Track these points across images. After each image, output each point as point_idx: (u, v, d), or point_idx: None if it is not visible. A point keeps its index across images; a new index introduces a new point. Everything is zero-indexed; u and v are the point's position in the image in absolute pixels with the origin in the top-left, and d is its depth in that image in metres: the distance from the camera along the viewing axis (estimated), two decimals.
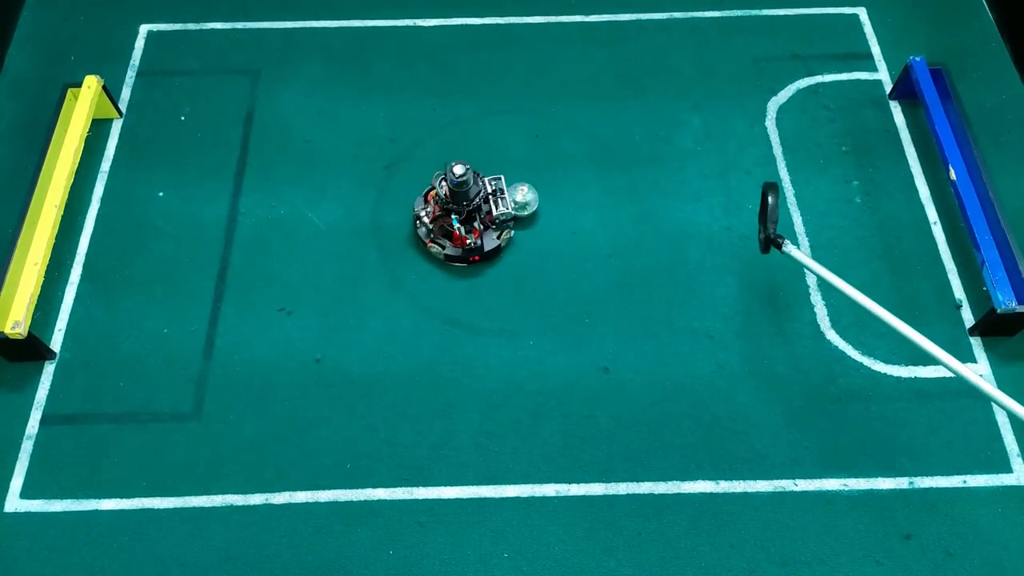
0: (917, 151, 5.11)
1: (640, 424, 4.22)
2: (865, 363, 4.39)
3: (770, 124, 5.22)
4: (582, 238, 4.80)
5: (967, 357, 4.41)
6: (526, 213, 4.81)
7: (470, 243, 4.59)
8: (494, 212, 4.64)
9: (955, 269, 4.68)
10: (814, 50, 5.52)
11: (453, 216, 4.59)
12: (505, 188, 4.73)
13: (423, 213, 4.68)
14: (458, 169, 4.45)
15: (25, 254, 4.49)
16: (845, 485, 4.06)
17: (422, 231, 4.69)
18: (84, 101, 4.99)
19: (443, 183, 4.56)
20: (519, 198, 4.78)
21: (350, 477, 4.09)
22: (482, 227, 4.65)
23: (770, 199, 4.18)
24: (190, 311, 4.56)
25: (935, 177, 5.00)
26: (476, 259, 4.64)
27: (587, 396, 4.30)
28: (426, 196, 4.77)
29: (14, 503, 4.04)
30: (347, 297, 4.61)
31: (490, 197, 4.66)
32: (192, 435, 4.20)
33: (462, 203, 4.56)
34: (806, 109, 5.27)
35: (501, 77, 5.43)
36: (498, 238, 4.66)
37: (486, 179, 4.70)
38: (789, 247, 4.14)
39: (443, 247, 4.63)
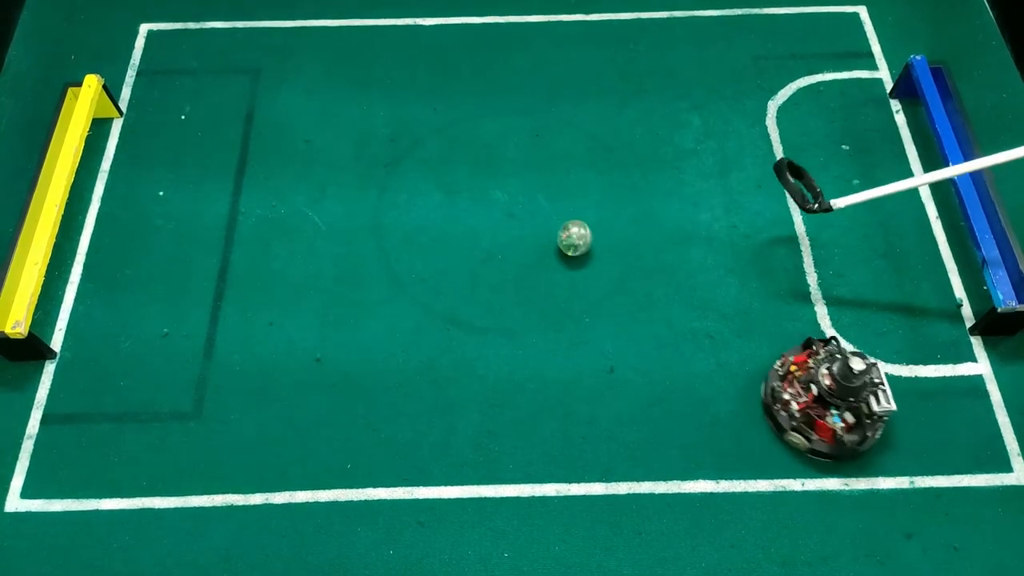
0: (917, 150, 5.11)
1: (640, 424, 4.22)
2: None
3: (770, 123, 5.21)
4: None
5: (967, 357, 4.41)
6: (576, 253, 4.63)
7: (851, 438, 3.93)
8: (874, 407, 3.92)
9: (955, 268, 4.68)
10: (814, 49, 5.52)
11: (834, 412, 4.01)
12: (885, 379, 3.99)
13: (790, 397, 4.05)
14: (857, 364, 3.82)
15: (25, 254, 4.49)
16: (846, 485, 4.06)
17: (783, 415, 4.07)
18: (84, 100, 5.00)
19: (827, 372, 3.94)
20: (576, 240, 4.55)
21: (350, 477, 4.09)
22: (853, 420, 3.99)
23: (782, 182, 4.13)
24: (190, 311, 4.56)
25: None
26: (854, 457, 4.07)
27: (587, 396, 4.30)
28: (786, 374, 4.12)
29: (14, 503, 4.04)
30: (347, 297, 4.61)
31: (874, 388, 3.96)
32: (192, 435, 4.20)
33: (848, 398, 3.93)
34: (806, 108, 5.27)
35: (501, 77, 5.43)
36: (873, 435, 4.00)
37: (865, 363, 3.95)
38: (838, 202, 4.10)
39: (809, 440, 4.02)
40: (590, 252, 4.72)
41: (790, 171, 4.37)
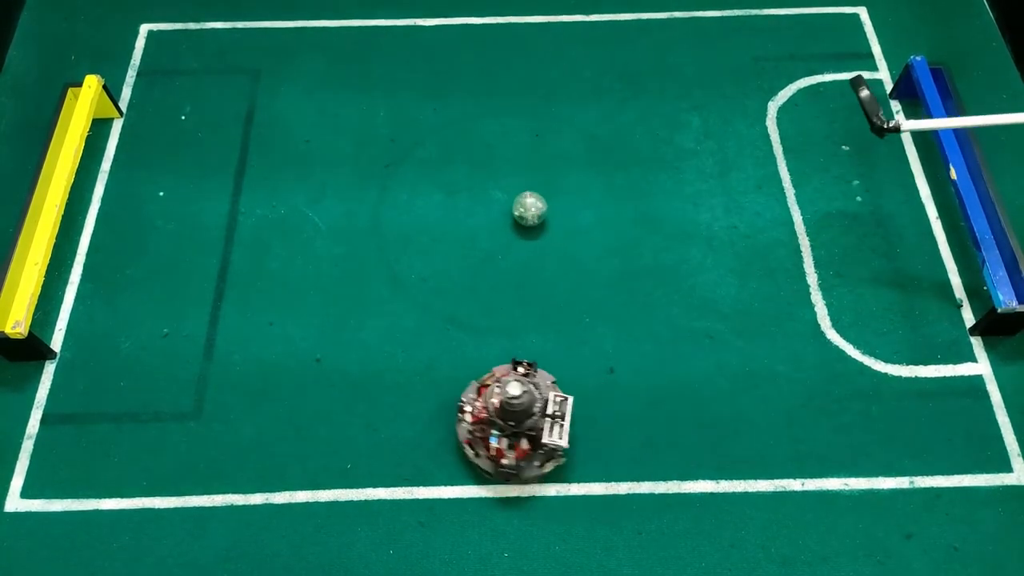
0: (917, 150, 5.11)
1: (640, 424, 4.22)
2: (865, 363, 4.39)
3: (770, 123, 5.21)
4: (582, 238, 4.80)
5: (967, 357, 4.41)
6: (535, 223, 4.69)
7: (506, 463, 3.88)
8: (545, 438, 3.85)
9: (955, 268, 4.68)
10: (814, 49, 5.52)
11: (493, 432, 3.90)
12: (568, 413, 3.93)
13: (468, 407, 4.00)
14: (513, 389, 3.73)
15: (25, 254, 4.49)
16: (846, 485, 4.06)
17: (462, 427, 4.04)
18: (84, 101, 5.00)
19: (497, 392, 3.85)
20: (529, 212, 4.62)
21: (350, 477, 4.09)
22: (527, 447, 3.91)
23: (860, 94, 4.10)
24: (190, 311, 4.56)
25: (935, 176, 5.00)
26: (507, 479, 4.03)
27: (587, 396, 4.29)
28: (481, 386, 4.09)
29: (14, 503, 4.04)
30: (347, 297, 4.61)
31: (548, 419, 3.88)
32: (192, 435, 4.20)
33: (508, 423, 3.87)
34: (806, 108, 5.27)
35: (501, 77, 5.42)
36: (539, 466, 3.96)
37: (552, 392, 3.95)
38: (906, 125, 4.10)
39: (477, 454, 3.99)
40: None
41: (860, 92, 4.29)
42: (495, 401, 3.83)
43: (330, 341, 4.46)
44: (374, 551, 3.90)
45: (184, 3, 5.74)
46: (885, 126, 4.16)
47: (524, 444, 3.88)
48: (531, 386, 3.83)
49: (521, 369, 4.01)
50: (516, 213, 4.68)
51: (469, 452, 3.99)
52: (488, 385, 4.02)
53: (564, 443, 3.83)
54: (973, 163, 4.75)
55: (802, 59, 5.47)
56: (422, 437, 4.19)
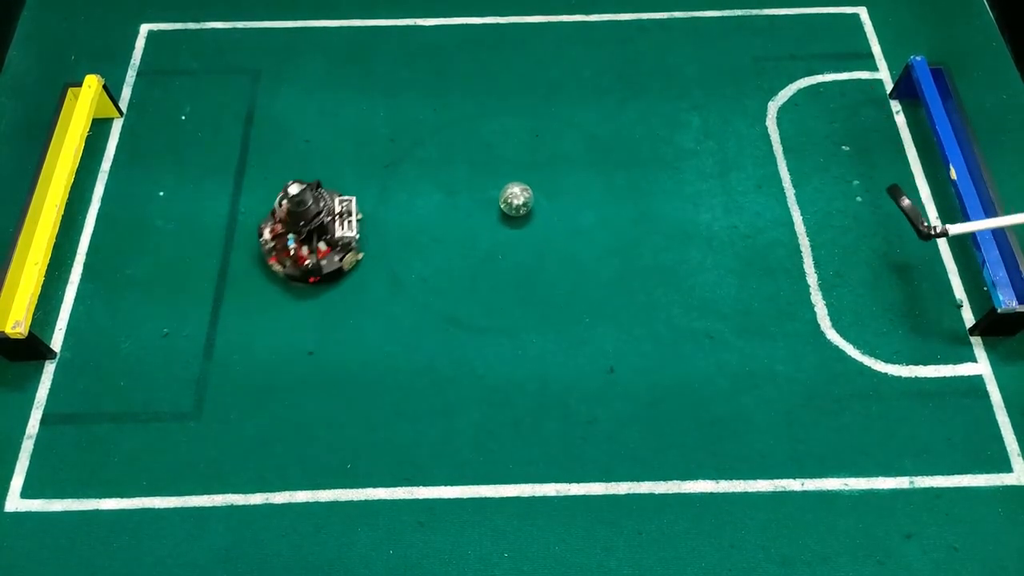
0: (917, 150, 5.11)
1: (640, 424, 4.22)
2: (865, 363, 4.39)
3: (770, 124, 5.22)
4: (582, 238, 4.80)
5: (967, 357, 4.41)
6: (519, 214, 4.79)
7: (309, 263, 4.45)
8: (337, 233, 4.51)
9: (955, 268, 4.68)
10: (814, 50, 5.52)
11: (289, 236, 4.47)
12: (354, 210, 4.60)
13: (266, 230, 4.55)
14: (293, 189, 4.35)
15: (25, 254, 4.49)
16: (846, 485, 4.06)
17: (266, 248, 4.56)
18: (84, 100, 5.00)
19: (282, 202, 4.44)
20: (516, 200, 4.73)
21: (350, 477, 4.09)
22: (326, 247, 4.51)
23: (902, 203, 4.22)
24: (190, 311, 4.56)
25: (935, 176, 5.00)
26: (315, 280, 4.53)
27: (587, 396, 4.30)
28: (273, 212, 4.63)
29: (14, 503, 4.04)
30: (347, 297, 4.61)
31: (337, 217, 4.51)
32: (192, 435, 4.20)
33: (299, 223, 4.43)
34: (806, 109, 5.27)
35: (501, 77, 5.42)
36: (340, 260, 4.53)
37: (336, 198, 4.58)
38: (953, 229, 4.18)
39: (284, 266, 4.52)
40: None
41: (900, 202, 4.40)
42: (283, 209, 4.36)
43: (330, 341, 4.46)
44: (374, 551, 3.90)
45: (184, 3, 5.74)
46: (933, 233, 4.22)
47: (323, 246, 4.48)
48: (309, 188, 4.41)
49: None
50: (503, 205, 4.79)
51: (278, 268, 4.50)
52: (275, 208, 4.58)
53: (354, 233, 4.52)
54: (973, 163, 4.76)
55: (802, 59, 5.47)
56: (422, 437, 4.19)
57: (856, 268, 4.68)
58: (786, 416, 4.23)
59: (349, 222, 4.53)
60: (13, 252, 4.45)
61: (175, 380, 4.35)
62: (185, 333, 4.49)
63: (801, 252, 4.74)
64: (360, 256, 4.58)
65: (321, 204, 4.46)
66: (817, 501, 4.02)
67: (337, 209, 4.52)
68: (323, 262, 4.48)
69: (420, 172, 5.04)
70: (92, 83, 5.04)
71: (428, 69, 5.46)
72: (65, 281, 4.67)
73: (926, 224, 4.23)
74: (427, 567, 3.87)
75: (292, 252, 4.43)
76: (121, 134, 5.20)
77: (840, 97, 5.32)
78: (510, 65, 5.47)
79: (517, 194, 4.73)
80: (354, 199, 4.58)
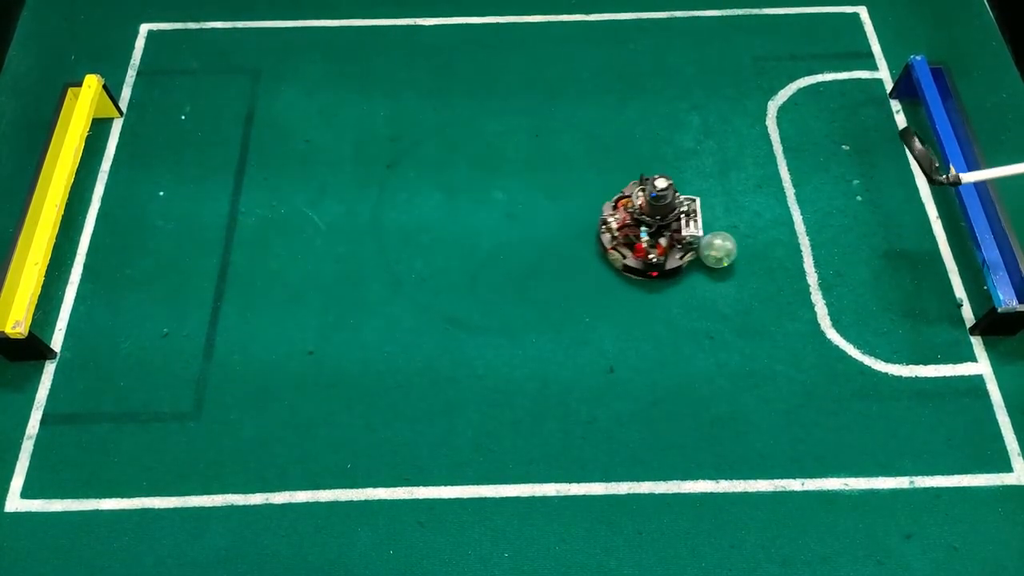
0: None
1: (640, 424, 4.22)
2: (865, 362, 4.39)
3: (770, 123, 5.21)
4: (582, 238, 4.80)
5: (967, 356, 4.41)
6: (722, 265, 4.62)
7: (652, 258, 4.48)
8: (683, 232, 4.51)
9: (955, 268, 4.68)
10: (814, 49, 5.52)
11: (643, 228, 4.51)
12: (699, 211, 4.60)
13: (611, 219, 4.60)
14: (660, 183, 4.37)
15: (25, 254, 4.49)
16: (846, 485, 4.06)
17: (606, 237, 4.61)
18: (84, 100, 5.00)
19: (639, 194, 4.50)
20: (714, 252, 4.56)
21: (350, 477, 4.09)
22: (667, 244, 4.53)
23: (914, 148, 4.21)
24: (190, 311, 4.56)
25: None
26: (655, 275, 4.56)
27: (587, 396, 4.30)
28: (616, 203, 4.68)
29: (14, 503, 4.04)
30: (347, 297, 4.61)
31: (683, 216, 4.54)
32: (192, 435, 4.20)
33: (655, 217, 4.47)
34: (807, 108, 5.27)
35: (501, 77, 5.42)
36: (681, 259, 4.54)
37: (682, 197, 4.59)
38: (967, 176, 4.22)
39: (624, 256, 4.55)
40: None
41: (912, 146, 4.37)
42: (641, 202, 4.48)
43: (330, 341, 4.46)
44: (374, 551, 3.90)
45: (184, 3, 5.74)
46: (946, 180, 4.22)
47: (663, 241, 4.52)
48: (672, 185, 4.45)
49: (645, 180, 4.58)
50: (709, 255, 4.60)
51: (615, 257, 4.56)
52: (626, 198, 4.64)
53: (700, 233, 4.53)
54: (973, 163, 4.75)
55: (802, 59, 5.47)
56: (422, 437, 4.19)
57: (856, 268, 4.67)
58: (786, 416, 4.23)
59: (695, 221, 4.53)
60: (13, 252, 4.45)
61: (175, 380, 4.35)
62: (185, 333, 4.49)
63: (801, 252, 4.74)
64: (694, 255, 4.58)
65: (677, 201, 4.50)
66: (817, 501, 4.02)
67: (684, 207, 4.56)
68: (663, 259, 4.50)
69: (420, 172, 5.04)
70: (92, 83, 5.04)
71: (428, 69, 5.46)
72: (65, 281, 4.67)
73: (939, 170, 4.24)
74: (427, 567, 3.87)
75: (645, 245, 4.47)
76: (121, 134, 5.20)
77: (840, 97, 5.32)
78: (510, 65, 5.47)
79: (718, 246, 4.57)
80: (698, 200, 4.61)
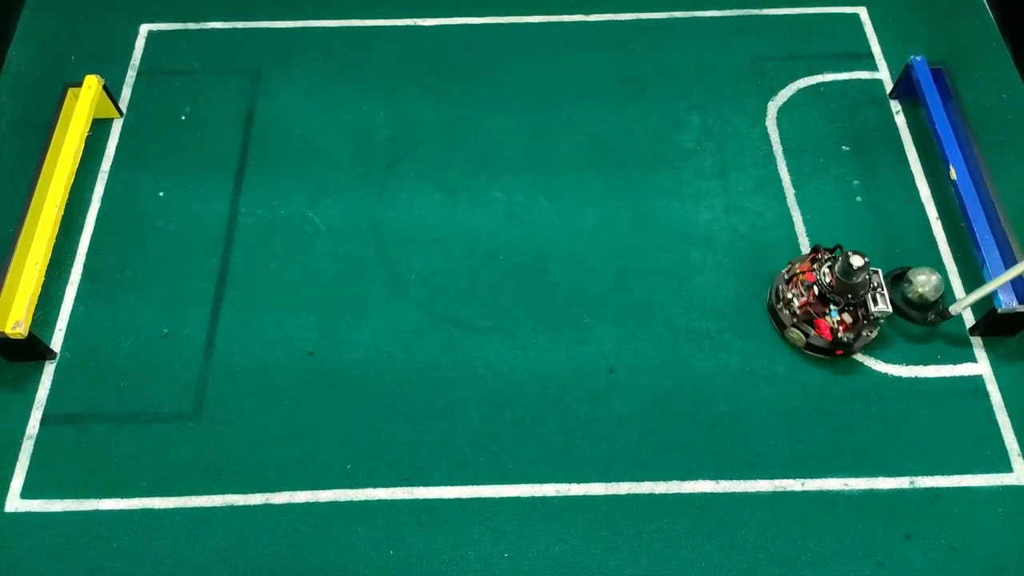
0: (917, 150, 5.11)
1: (640, 424, 4.22)
2: (866, 363, 4.39)
3: (770, 123, 5.21)
4: (582, 238, 4.80)
5: (967, 357, 4.41)
6: (929, 300, 4.47)
7: (841, 338, 4.24)
8: (871, 308, 4.22)
9: (955, 268, 4.68)
10: (814, 49, 5.52)
11: (832, 307, 4.25)
12: (884, 284, 4.29)
13: (793, 296, 4.34)
14: (856, 261, 4.08)
15: (25, 254, 4.49)
16: (846, 485, 4.06)
17: (785, 313, 4.37)
18: (84, 101, 4.99)
19: (827, 271, 4.24)
20: (923, 288, 4.41)
21: (350, 477, 4.09)
22: (851, 320, 4.27)
23: (903, 311, 4.38)
24: (190, 311, 4.56)
25: (935, 176, 5.00)
26: (840, 353, 4.33)
27: (587, 396, 4.30)
28: (792, 277, 4.40)
29: (14, 503, 4.04)
30: (347, 297, 4.61)
31: (871, 291, 4.26)
32: (192, 435, 4.20)
33: (846, 295, 4.21)
34: (806, 108, 5.27)
35: (501, 77, 5.42)
36: (868, 334, 4.29)
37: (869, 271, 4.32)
38: (956, 307, 4.36)
39: (806, 335, 4.31)
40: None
41: (895, 280, 4.52)
42: (828, 279, 4.25)
43: (330, 341, 4.46)
44: (374, 551, 3.90)
45: (184, 3, 5.74)
46: (936, 320, 4.43)
47: (847, 318, 4.28)
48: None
49: (832, 253, 4.41)
50: (915, 292, 4.48)
51: (795, 336, 4.34)
52: (796, 275, 4.41)
53: (889, 309, 4.23)
54: (973, 163, 4.75)
55: (802, 59, 5.47)
56: (422, 437, 4.19)
57: None
58: (786, 416, 4.23)
59: (882, 295, 4.23)
60: (13, 252, 4.45)
61: (175, 380, 4.35)
62: (185, 333, 4.49)
63: (801, 252, 4.74)
64: (879, 330, 4.36)
65: (871, 279, 4.26)
66: (817, 501, 4.02)
67: (874, 282, 4.28)
68: (851, 336, 4.24)
69: (420, 172, 5.04)
70: (92, 83, 5.04)
71: (428, 69, 5.46)
72: (65, 281, 4.67)
73: (936, 319, 4.41)
74: (427, 567, 3.87)
75: (832, 324, 4.23)
76: (121, 134, 5.20)
77: (840, 97, 5.32)
78: (510, 65, 5.47)
79: (924, 282, 4.46)
80: (880, 271, 4.32)
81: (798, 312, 4.32)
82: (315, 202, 4.93)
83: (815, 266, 4.32)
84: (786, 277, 4.44)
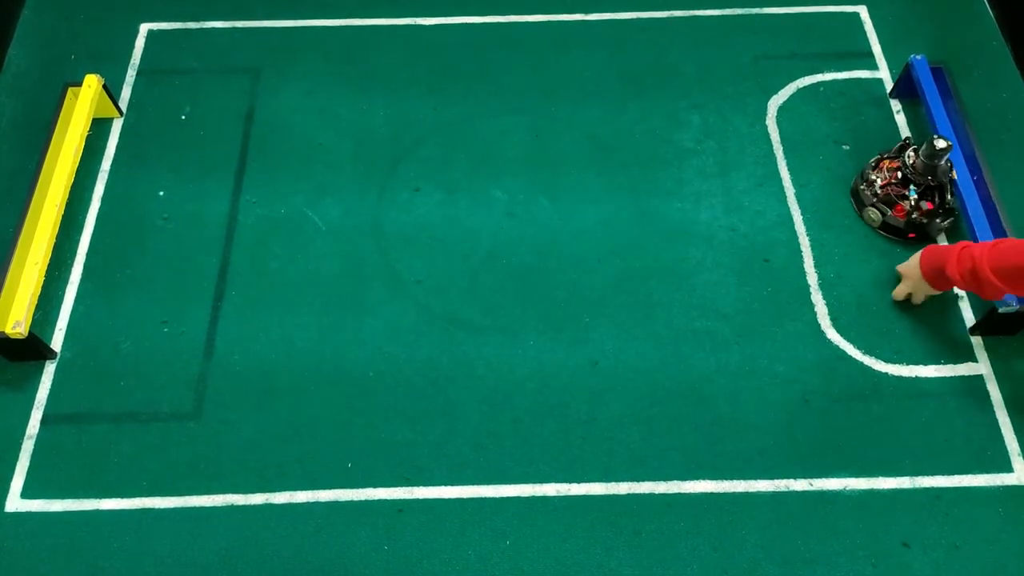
0: None
1: (640, 424, 4.22)
2: (866, 362, 4.39)
3: (770, 123, 5.22)
4: (582, 238, 4.80)
5: (967, 357, 4.41)
6: None
7: (915, 218, 4.52)
8: (948, 197, 4.53)
9: None
10: (814, 48, 5.52)
11: (912, 187, 4.51)
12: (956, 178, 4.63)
13: (876, 176, 4.63)
14: (940, 143, 4.35)
15: (25, 254, 4.49)
16: (846, 485, 4.06)
17: (866, 193, 4.64)
18: (84, 100, 4.99)
19: (911, 154, 4.51)
20: None
21: (350, 477, 4.09)
22: (928, 208, 4.54)
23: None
24: (190, 311, 4.56)
25: None
26: (913, 236, 4.61)
27: (588, 396, 4.30)
28: (878, 163, 4.70)
29: (14, 503, 4.04)
30: (347, 297, 4.61)
31: (950, 183, 4.55)
32: (192, 435, 4.20)
33: (927, 177, 4.48)
34: (807, 108, 5.27)
35: (501, 77, 5.42)
36: (941, 222, 4.57)
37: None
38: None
39: (884, 214, 4.59)
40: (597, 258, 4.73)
41: None
42: (914, 159, 4.50)
43: (330, 341, 4.46)
44: (374, 551, 3.91)
45: (184, 3, 5.74)
46: None
47: (924, 205, 4.55)
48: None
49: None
50: None
51: (873, 215, 4.63)
52: (886, 160, 4.69)
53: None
54: (973, 163, 4.75)
55: (802, 58, 5.47)
56: (422, 437, 4.19)
57: (856, 268, 4.67)
58: (786, 416, 4.23)
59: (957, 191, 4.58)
60: (13, 252, 4.45)
61: (175, 380, 4.35)
62: (185, 332, 4.49)
63: (801, 251, 4.74)
64: (952, 220, 4.62)
65: (950, 166, 4.53)
66: (817, 501, 4.02)
67: (953, 175, 4.58)
68: (925, 220, 4.53)
69: (420, 172, 5.04)
70: (92, 83, 5.04)
71: (428, 69, 5.46)
72: (65, 281, 4.67)
73: None
74: (427, 567, 3.87)
75: (910, 204, 4.49)
76: (121, 134, 5.20)
77: (840, 96, 5.32)
78: (510, 65, 5.47)
79: None
80: (955, 171, 4.61)
81: (879, 192, 4.57)
82: (316, 201, 4.94)
83: (908, 152, 4.56)
84: (872, 164, 4.71)
